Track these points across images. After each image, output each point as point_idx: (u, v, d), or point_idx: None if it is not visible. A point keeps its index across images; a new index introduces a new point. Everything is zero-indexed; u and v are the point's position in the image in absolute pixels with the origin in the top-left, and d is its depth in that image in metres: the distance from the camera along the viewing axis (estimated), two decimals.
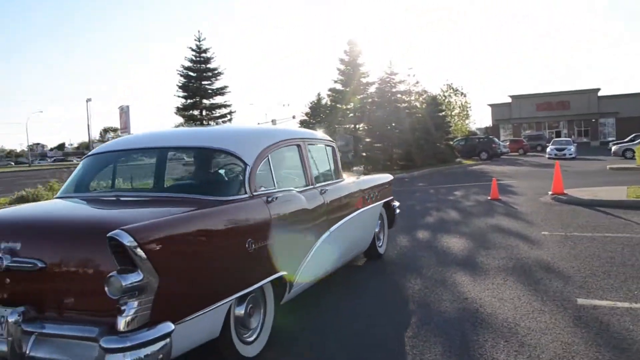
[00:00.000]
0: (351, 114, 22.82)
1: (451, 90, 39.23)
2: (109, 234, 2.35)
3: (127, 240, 2.38)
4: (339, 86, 22.43)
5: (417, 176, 18.87)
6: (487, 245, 5.83)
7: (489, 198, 9.95)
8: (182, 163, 4.00)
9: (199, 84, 21.30)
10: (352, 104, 22.82)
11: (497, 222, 7.21)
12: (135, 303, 2.38)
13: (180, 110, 21.31)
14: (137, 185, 3.81)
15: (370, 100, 23.28)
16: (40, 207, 3.19)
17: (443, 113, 29.81)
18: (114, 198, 3.23)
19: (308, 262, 3.76)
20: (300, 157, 4.15)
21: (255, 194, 3.33)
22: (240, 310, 3.06)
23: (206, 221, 2.85)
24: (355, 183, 4.95)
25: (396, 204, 5.97)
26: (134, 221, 2.48)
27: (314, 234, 3.90)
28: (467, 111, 42.73)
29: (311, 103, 25.68)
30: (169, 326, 2.44)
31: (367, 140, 21.68)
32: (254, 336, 3.19)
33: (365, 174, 5.61)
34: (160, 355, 2.38)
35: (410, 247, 5.86)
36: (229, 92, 20.96)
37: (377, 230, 5.48)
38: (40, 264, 2.58)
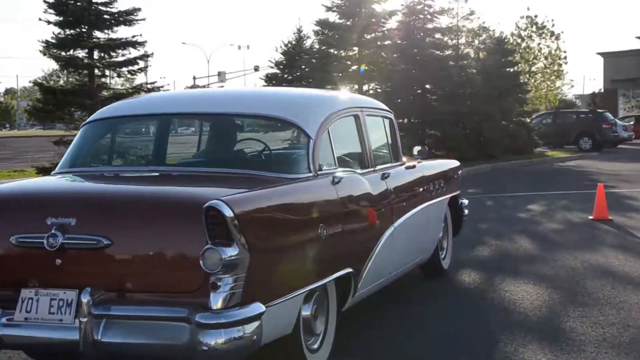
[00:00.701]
0: (355, 66, 19.98)
1: (533, 28, 29.34)
2: (207, 204, 2.91)
3: (227, 211, 2.90)
4: (334, 17, 20.17)
5: (466, 176, 14.80)
6: (582, 300, 5.27)
7: (591, 218, 9.08)
8: (230, 133, 4.45)
9: (86, 3, 14.92)
10: (356, 49, 19.93)
11: (603, 261, 6.61)
12: (230, 279, 2.92)
13: (52, 48, 14.95)
14: (178, 159, 4.28)
15: (388, 43, 20.03)
16: (86, 182, 3.87)
17: (517, 68, 25.36)
18: (157, 174, 3.88)
19: (373, 260, 4.23)
20: (359, 132, 4.47)
21: (319, 172, 3.83)
22: (306, 311, 3.59)
23: (291, 199, 3.50)
24: (418, 168, 5.28)
25: (465, 201, 6.31)
26: (223, 195, 3.02)
27: (378, 227, 4.35)
28: (560, 65, 32.15)
29: (286, 45, 21.71)
30: (261, 307, 3.01)
31: None
32: (318, 343, 3.73)
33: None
34: (255, 337, 2.95)
35: (453, 301, 5.28)
36: (143, 20, 15.00)
37: (440, 235, 5.81)
38: (105, 241, 3.09)
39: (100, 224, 3.19)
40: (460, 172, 6.38)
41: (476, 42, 27.21)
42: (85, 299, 3.03)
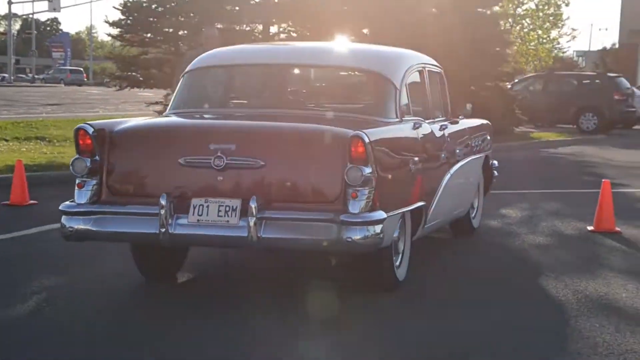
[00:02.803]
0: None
1: None
2: (353, 134, 5.57)
3: (367, 139, 5.56)
4: None
5: None
6: (574, 347, 5.40)
7: (591, 229, 9.44)
8: (331, 82, 7.83)
9: None
10: None
11: (604, 292, 6.75)
12: (366, 191, 5.57)
13: None
14: (288, 103, 7.12)
15: None
16: (232, 116, 6.93)
17: (497, 8, 26.22)
18: (282, 113, 6.69)
19: (437, 199, 7.14)
20: (423, 86, 7.46)
21: (403, 118, 6.73)
22: (395, 233, 6.33)
23: (396, 135, 6.49)
24: (461, 124, 8.22)
25: (495, 162, 9.55)
26: (360, 129, 5.69)
27: (441, 170, 7.38)
28: (559, 7, 33.70)
29: None
30: (384, 214, 5.69)
31: None
32: (399, 261, 6.52)
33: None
34: (381, 234, 5.66)
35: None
36: None
37: (475, 191, 9.07)
38: (261, 162, 5.72)
39: (255, 149, 5.78)
40: (492, 131, 9.52)
41: None
42: (253, 204, 5.52)
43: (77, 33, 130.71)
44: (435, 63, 8.04)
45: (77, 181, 6.03)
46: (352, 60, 7.53)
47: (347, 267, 6.58)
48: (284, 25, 21.46)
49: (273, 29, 21.20)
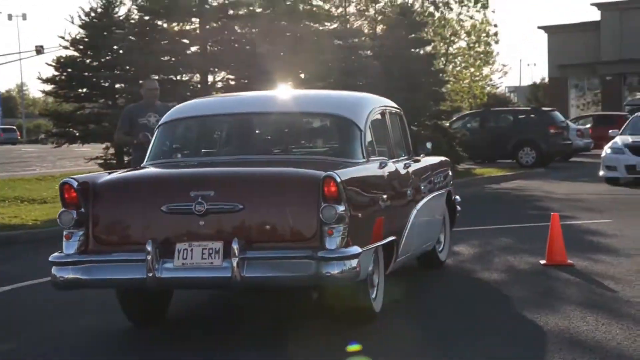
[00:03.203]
0: (195, 47, 20.93)
1: None
2: (325, 175, 5.97)
3: (339, 179, 5.95)
4: None
5: None
6: None
7: (543, 263, 9.51)
8: (297, 128, 8.11)
9: None
10: (196, 20, 20.60)
11: (565, 326, 6.76)
12: (340, 228, 5.97)
13: None
14: (260, 150, 7.69)
15: (244, 12, 20.84)
16: (207, 165, 7.28)
17: (430, 49, 26.64)
18: (256, 159, 7.26)
19: (407, 234, 7.59)
20: (385, 127, 7.98)
21: (370, 159, 7.18)
22: (370, 267, 6.68)
23: (364, 174, 6.86)
24: (424, 162, 8.79)
25: (457, 198, 10.05)
26: (331, 170, 6.11)
27: (408, 206, 7.82)
28: (489, 45, 33.62)
29: (87, 14, 21.08)
30: (359, 249, 6.07)
31: None
32: (374, 294, 6.90)
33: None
34: (358, 268, 6.00)
35: None
36: None
37: (440, 226, 9.58)
38: (240, 206, 6.11)
39: (233, 193, 6.16)
40: (451, 167, 10.22)
41: (371, 11, 28.03)
42: (235, 245, 5.87)
43: (7, 91, 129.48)
44: (395, 105, 8.57)
45: (64, 233, 6.33)
46: (317, 106, 8.00)
47: (326, 300, 6.88)
48: (222, 74, 21.55)
49: (211, 78, 21.29)
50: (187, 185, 6.33)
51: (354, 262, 5.99)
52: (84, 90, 20.66)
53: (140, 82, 13.80)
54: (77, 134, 20.15)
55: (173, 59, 20.20)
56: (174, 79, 20.41)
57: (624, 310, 7.25)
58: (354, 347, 5.95)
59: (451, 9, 33.85)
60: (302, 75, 21.80)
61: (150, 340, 6.76)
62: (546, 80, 57.48)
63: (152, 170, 7.19)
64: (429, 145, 9.04)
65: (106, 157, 19.10)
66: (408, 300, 7.90)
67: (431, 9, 33.22)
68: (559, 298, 7.87)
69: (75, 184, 6.30)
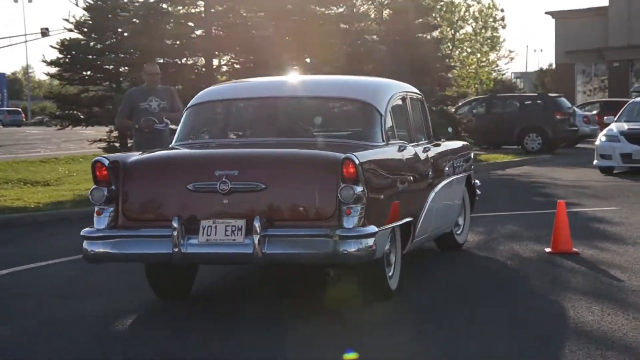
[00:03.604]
0: (200, 30, 20.68)
1: None
2: (344, 156, 6.28)
3: (357, 161, 6.27)
4: None
5: None
6: None
7: (549, 251, 9.46)
8: (323, 111, 8.35)
9: None
10: (202, 3, 20.52)
11: (571, 316, 6.67)
12: (358, 208, 6.26)
13: None
14: (283, 132, 7.88)
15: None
16: (239, 145, 7.84)
17: (437, 34, 26.65)
18: (278, 141, 7.59)
19: (424, 215, 7.90)
20: (406, 112, 8.27)
21: (389, 142, 7.49)
22: (387, 246, 7.00)
23: (383, 156, 7.17)
24: (443, 146, 9.01)
25: (477, 182, 10.31)
26: (351, 152, 6.41)
27: (426, 189, 8.13)
28: (496, 30, 33.73)
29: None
30: (375, 228, 6.38)
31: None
32: (391, 272, 7.19)
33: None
34: (374, 247, 6.33)
35: None
36: None
37: (459, 209, 9.77)
38: (262, 185, 6.42)
39: (257, 173, 6.47)
40: (472, 152, 10.52)
41: None
42: (257, 223, 6.18)
43: (13, 73, 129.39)
44: (416, 90, 8.87)
45: (95, 209, 6.67)
46: (340, 91, 8.32)
47: (344, 278, 7.48)
48: (226, 57, 21.53)
49: (216, 62, 21.21)
50: (212, 165, 6.62)
51: (370, 241, 6.27)
52: (88, 73, 20.44)
53: (144, 65, 13.76)
54: (81, 117, 19.99)
55: (177, 42, 20.07)
56: (179, 62, 20.27)
57: (631, 300, 7.18)
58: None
59: None
60: (308, 60, 21.65)
61: (149, 327, 6.74)
62: (553, 66, 57.23)
63: (179, 150, 7.51)
64: (450, 130, 9.46)
65: (110, 140, 18.94)
66: (410, 287, 7.79)
67: None
68: (564, 287, 7.81)
69: (106, 162, 6.62)
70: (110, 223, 6.61)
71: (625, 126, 20.19)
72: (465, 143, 10.30)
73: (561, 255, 9.16)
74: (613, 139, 19.80)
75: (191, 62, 20.97)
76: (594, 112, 36.06)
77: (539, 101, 30.72)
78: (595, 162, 20.32)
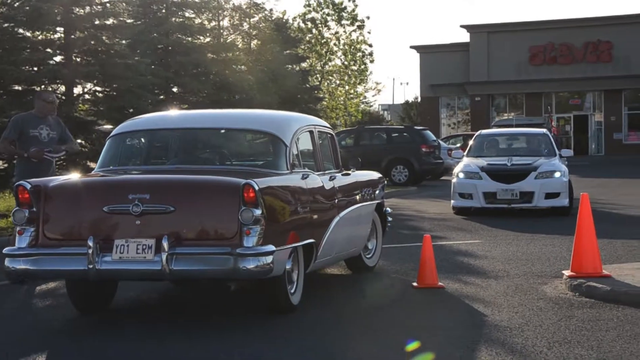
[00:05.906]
0: (59, 57, 20.41)
1: (328, 10, 30.95)
2: (244, 182, 7.09)
3: (257, 187, 7.09)
4: None
5: None
6: None
7: (415, 286, 9.66)
8: (229, 141, 9.18)
9: None
10: (61, 29, 20.21)
11: (445, 357, 6.74)
12: (257, 228, 7.08)
13: None
14: (196, 160, 8.87)
15: (112, 22, 20.65)
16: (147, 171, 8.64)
17: (306, 65, 28.01)
18: (187, 168, 8.48)
19: (326, 238, 8.62)
20: (313, 143, 9.15)
21: (293, 171, 8.36)
22: (287, 265, 7.75)
23: (284, 183, 8.04)
24: (353, 176, 9.91)
25: (389, 209, 11.23)
26: (251, 178, 7.24)
27: (330, 214, 8.90)
28: (364, 64, 34.08)
29: None
30: (273, 247, 7.18)
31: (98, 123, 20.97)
32: (293, 289, 8.02)
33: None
34: (271, 264, 7.12)
35: None
36: None
37: (367, 235, 10.54)
38: (171, 208, 7.21)
39: (166, 197, 7.21)
40: (384, 183, 11.30)
41: (246, 26, 28.08)
42: (165, 242, 6.91)
43: None
44: (326, 124, 10.09)
45: (17, 229, 7.37)
46: (251, 124, 9.23)
47: (248, 293, 8.47)
48: (89, 85, 21.17)
49: (77, 90, 20.89)
50: (126, 189, 7.37)
51: (268, 259, 7.04)
52: None
53: (40, 92, 13.64)
54: None
55: (35, 68, 19.62)
56: (37, 89, 19.51)
57: (493, 335, 7.26)
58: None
59: (329, 27, 34.27)
60: (175, 89, 21.62)
61: (87, 331, 7.63)
62: (419, 99, 58.64)
63: (97, 177, 8.29)
64: (359, 160, 10.35)
65: None
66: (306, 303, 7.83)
67: (309, 25, 33.55)
68: (428, 323, 7.83)
69: (28, 186, 7.37)
70: (31, 242, 7.27)
71: (483, 162, 18.31)
72: (376, 174, 11.00)
73: (427, 290, 9.23)
74: (473, 176, 17.84)
75: (50, 89, 20.40)
76: (458, 144, 36.86)
77: (405, 134, 31.31)
78: (452, 202, 18.37)
